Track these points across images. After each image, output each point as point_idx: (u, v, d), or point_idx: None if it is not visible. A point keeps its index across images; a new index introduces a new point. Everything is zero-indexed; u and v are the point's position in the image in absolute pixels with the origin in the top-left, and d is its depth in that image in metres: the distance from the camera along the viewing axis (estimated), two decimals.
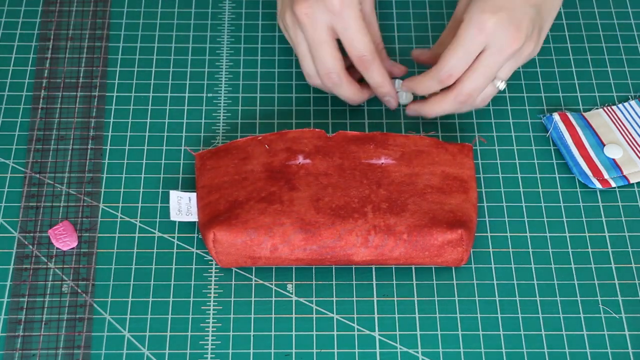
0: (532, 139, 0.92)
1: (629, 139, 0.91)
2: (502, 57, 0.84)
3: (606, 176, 0.89)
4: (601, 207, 0.88)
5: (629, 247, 0.86)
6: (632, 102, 0.94)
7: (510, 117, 0.94)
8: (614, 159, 0.90)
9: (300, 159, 0.85)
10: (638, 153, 0.90)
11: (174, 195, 0.85)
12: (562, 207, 0.88)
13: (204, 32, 1.00)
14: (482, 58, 0.84)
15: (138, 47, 0.99)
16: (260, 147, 0.86)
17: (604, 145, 0.91)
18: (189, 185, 0.89)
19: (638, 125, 0.92)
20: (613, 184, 0.89)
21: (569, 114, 0.93)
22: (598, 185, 0.88)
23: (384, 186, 0.83)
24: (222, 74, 0.97)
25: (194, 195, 0.85)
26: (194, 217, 0.84)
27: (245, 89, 0.96)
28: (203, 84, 0.96)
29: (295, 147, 0.86)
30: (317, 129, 0.87)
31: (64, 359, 0.79)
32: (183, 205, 0.85)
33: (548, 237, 0.86)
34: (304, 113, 0.94)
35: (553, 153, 0.92)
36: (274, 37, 1.00)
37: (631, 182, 0.89)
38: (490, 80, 0.86)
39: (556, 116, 0.92)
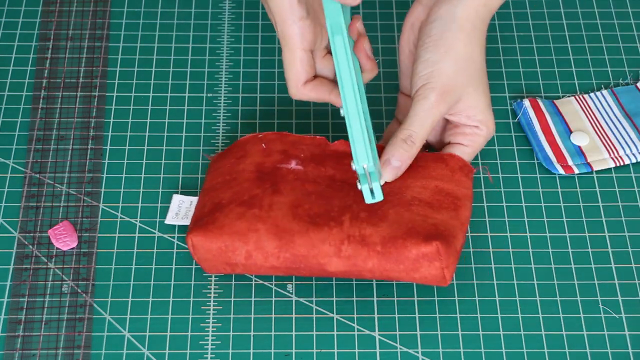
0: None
1: (597, 127, 0.92)
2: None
3: (570, 163, 0.90)
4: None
5: (629, 247, 0.86)
6: (604, 92, 0.95)
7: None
8: (579, 146, 0.91)
9: (293, 164, 0.84)
10: (604, 141, 0.91)
11: (176, 198, 0.85)
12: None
13: (204, 32, 1.00)
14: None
15: (138, 47, 0.99)
16: (258, 145, 0.85)
17: (571, 133, 0.91)
18: (189, 185, 0.89)
19: (607, 114, 0.93)
20: (576, 171, 0.89)
21: (539, 100, 0.94)
22: (561, 171, 0.89)
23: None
24: (222, 74, 0.97)
25: (195, 199, 0.85)
26: (188, 221, 0.84)
27: (245, 89, 0.96)
28: (203, 84, 0.96)
29: (291, 151, 0.84)
30: (319, 137, 0.85)
31: (64, 359, 0.79)
32: (182, 209, 0.85)
33: (548, 237, 0.86)
34: (304, 113, 0.94)
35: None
36: (273, 37, 1.00)
37: (594, 169, 0.90)
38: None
39: (526, 102, 0.93)
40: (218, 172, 0.85)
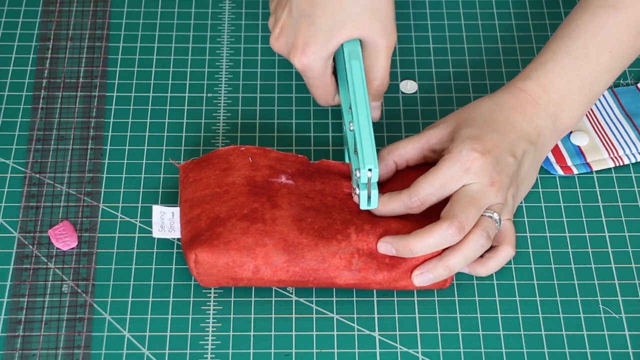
0: None
1: (597, 127, 0.92)
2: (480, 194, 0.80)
3: (569, 163, 0.90)
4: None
5: (629, 247, 0.86)
6: (605, 92, 0.95)
7: None
8: (579, 147, 0.91)
9: (283, 179, 0.84)
10: (604, 141, 0.91)
11: (157, 210, 0.84)
12: None
13: (204, 32, 1.00)
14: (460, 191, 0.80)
15: (138, 47, 0.99)
16: (242, 158, 0.84)
17: (571, 133, 0.92)
18: None
19: (607, 114, 0.93)
20: (575, 171, 0.89)
21: None
22: (560, 172, 0.89)
23: (365, 211, 0.82)
24: (222, 74, 0.97)
25: (177, 210, 0.84)
26: (177, 234, 0.83)
27: (245, 89, 0.96)
28: (203, 84, 0.96)
29: (278, 166, 0.84)
30: (300, 155, 0.86)
31: (64, 359, 0.79)
32: (166, 221, 0.83)
33: (548, 237, 0.86)
34: (303, 113, 0.94)
35: None
36: None
37: (594, 169, 0.90)
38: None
39: None
40: (202, 183, 0.84)
